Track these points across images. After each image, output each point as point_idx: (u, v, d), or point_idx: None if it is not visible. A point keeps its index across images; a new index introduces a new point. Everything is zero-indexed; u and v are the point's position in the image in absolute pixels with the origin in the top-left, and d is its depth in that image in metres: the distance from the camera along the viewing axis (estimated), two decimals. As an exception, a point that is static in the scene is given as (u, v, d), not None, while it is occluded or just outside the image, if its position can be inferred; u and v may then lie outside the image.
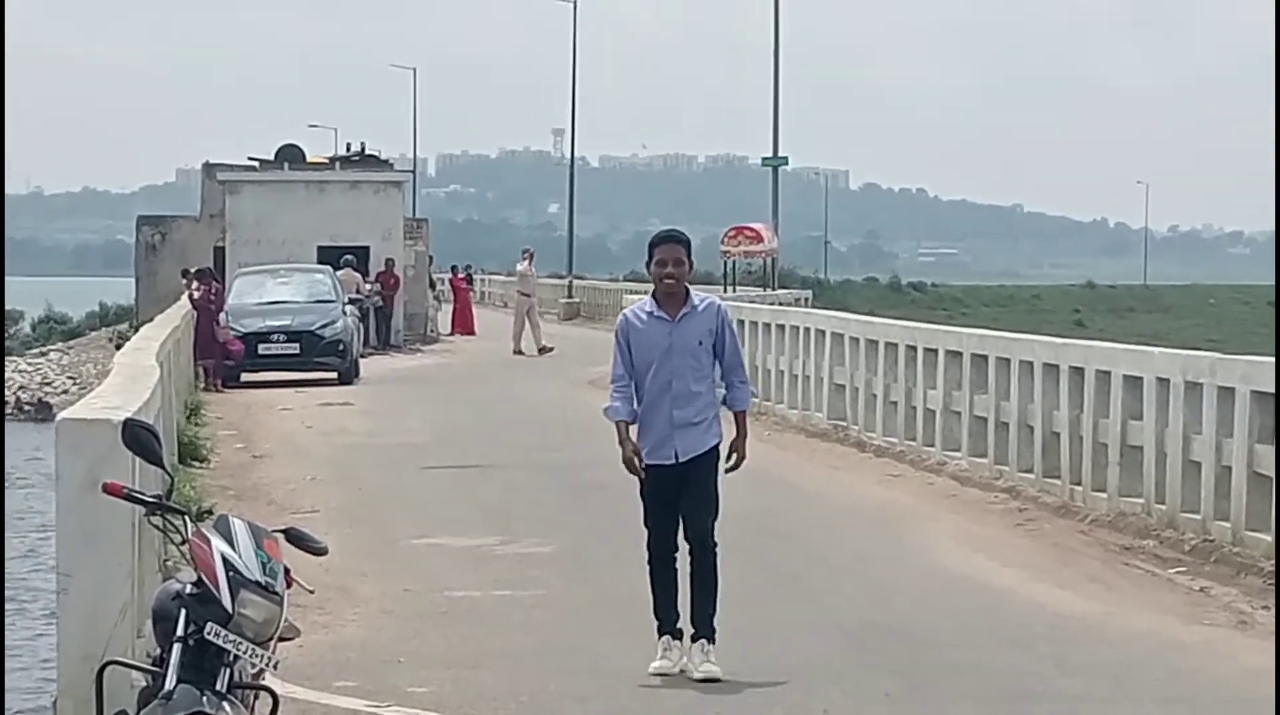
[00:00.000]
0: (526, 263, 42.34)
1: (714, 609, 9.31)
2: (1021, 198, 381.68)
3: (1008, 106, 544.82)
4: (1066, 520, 14.73)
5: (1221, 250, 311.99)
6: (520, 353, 39.04)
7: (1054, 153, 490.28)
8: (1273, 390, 12.37)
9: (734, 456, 9.49)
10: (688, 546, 9.38)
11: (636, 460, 9.35)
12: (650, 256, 9.36)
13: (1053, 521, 14.81)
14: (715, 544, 9.40)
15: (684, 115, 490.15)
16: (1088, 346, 16.64)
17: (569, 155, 78.00)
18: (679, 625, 9.36)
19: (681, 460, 9.37)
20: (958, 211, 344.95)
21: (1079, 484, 15.02)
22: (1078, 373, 15.20)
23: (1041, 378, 15.85)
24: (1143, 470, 14.03)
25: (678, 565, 9.45)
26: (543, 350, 38.69)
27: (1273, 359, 12.96)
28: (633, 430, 9.40)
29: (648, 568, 9.50)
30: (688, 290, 9.46)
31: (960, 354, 17.80)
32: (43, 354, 52.04)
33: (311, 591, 6.81)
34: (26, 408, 44.46)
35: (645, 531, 9.48)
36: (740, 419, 9.58)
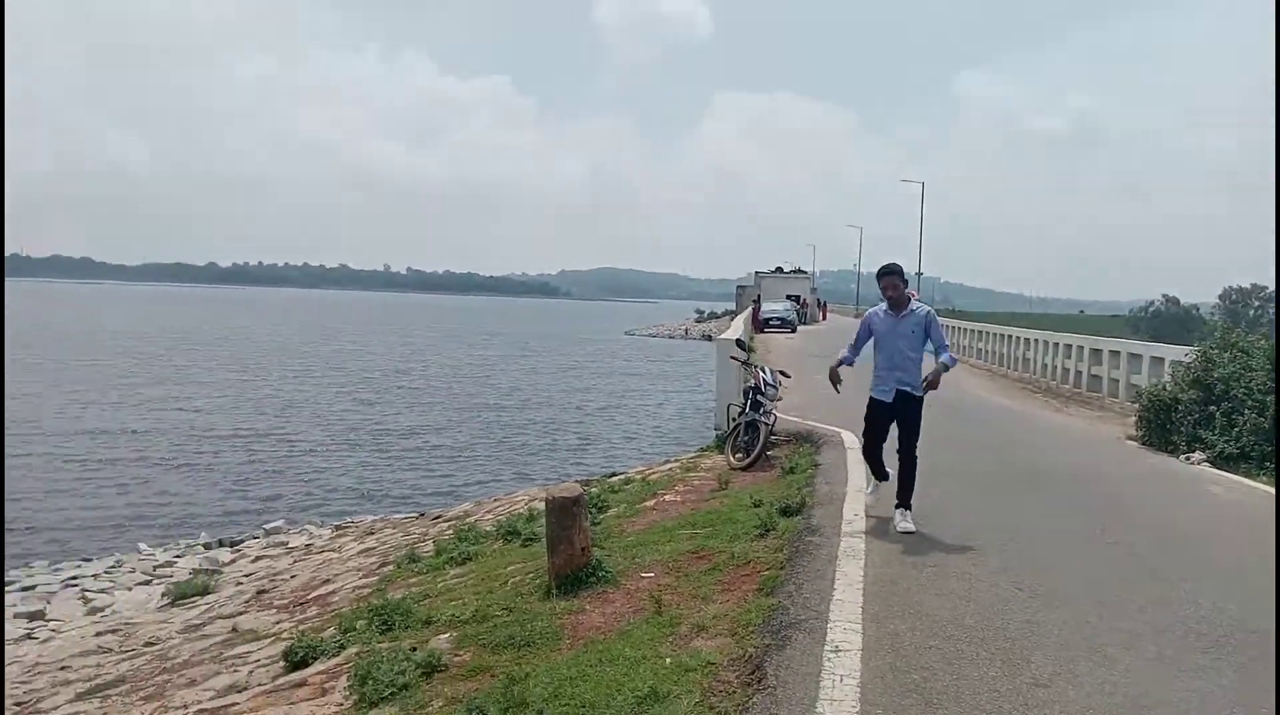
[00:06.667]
0: None
1: (911, 492, 13.05)
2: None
3: None
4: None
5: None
6: None
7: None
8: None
9: (928, 379, 12.95)
10: (898, 452, 13.14)
11: (838, 376, 13.35)
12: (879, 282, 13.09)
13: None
14: (916, 457, 13.15)
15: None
16: None
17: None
18: (886, 476, 13.67)
19: (893, 401, 13.11)
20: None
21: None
22: None
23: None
24: None
25: (883, 455, 13.57)
26: None
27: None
28: (844, 371, 13.42)
29: (863, 449, 13.85)
30: (908, 299, 13.08)
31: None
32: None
33: (788, 377, 21.52)
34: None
35: (863, 433, 13.63)
36: (939, 367, 12.89)
